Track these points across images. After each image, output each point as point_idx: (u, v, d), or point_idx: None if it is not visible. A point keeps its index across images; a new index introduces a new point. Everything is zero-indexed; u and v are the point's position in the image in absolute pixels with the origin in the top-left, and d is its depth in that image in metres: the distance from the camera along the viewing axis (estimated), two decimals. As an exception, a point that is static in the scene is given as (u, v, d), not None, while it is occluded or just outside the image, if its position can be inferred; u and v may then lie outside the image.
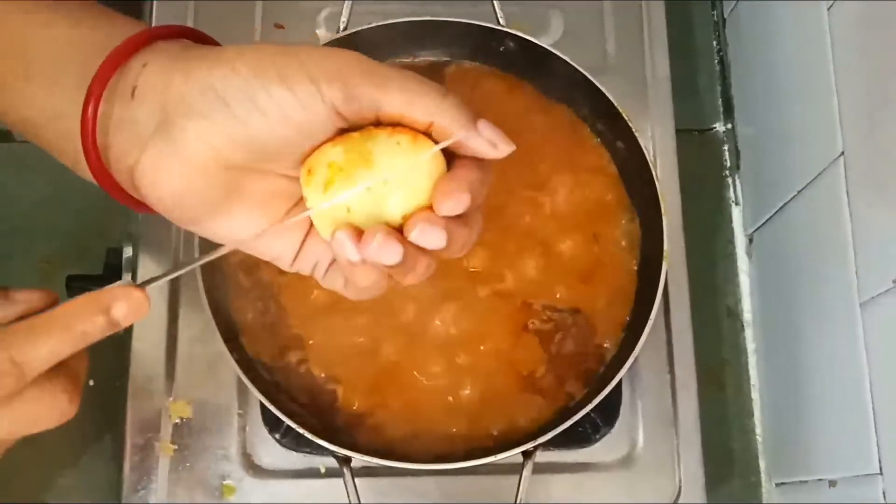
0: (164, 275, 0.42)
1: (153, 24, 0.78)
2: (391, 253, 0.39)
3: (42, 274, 0.80)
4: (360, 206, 0.39)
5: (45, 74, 0.42)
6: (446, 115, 0.39)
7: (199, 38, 0.44)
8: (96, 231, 0.80)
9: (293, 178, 0.42)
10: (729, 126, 0.88)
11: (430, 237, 0.39)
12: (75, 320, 0.39)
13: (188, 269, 0.43)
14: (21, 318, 0.40)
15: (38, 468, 0.76)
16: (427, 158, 0.39)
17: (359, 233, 0.39)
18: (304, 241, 0.44)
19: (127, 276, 0.73)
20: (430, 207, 0.39)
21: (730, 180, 0.87)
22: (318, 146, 0.40)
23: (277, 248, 0.44)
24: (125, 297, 0.40)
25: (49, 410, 0.40)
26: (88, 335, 0.39)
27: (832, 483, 0.68)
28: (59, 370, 0.40)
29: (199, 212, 0.41)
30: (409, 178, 0.39)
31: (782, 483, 0.77)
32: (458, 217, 0.40)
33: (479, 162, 0.40)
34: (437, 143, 0.39)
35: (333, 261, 0.44)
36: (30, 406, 0.39)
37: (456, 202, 0.39)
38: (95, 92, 0.40)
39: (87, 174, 0.43)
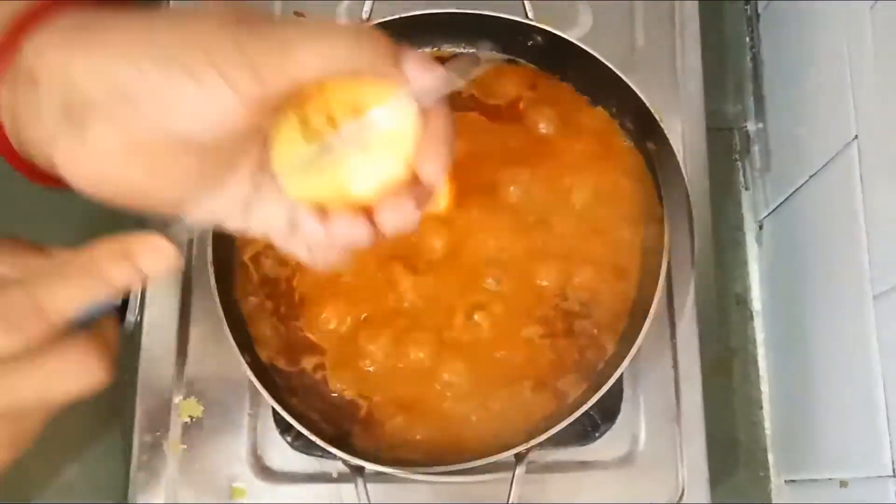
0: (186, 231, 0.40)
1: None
2: (358, 232, 0.38)
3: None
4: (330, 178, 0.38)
5: None
6: (369, 69, 0.37)
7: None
8: (103, 227, 0.78)
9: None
10: (738, 107, 0.85)
11: (401, 217, 0.39)
12: (101, 264, 0.37)
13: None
14: None
15: (45, 466, 0.75)
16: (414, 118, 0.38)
17: (323, 209, 0.39)
18: (252, 203, 0.42)
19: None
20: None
21: (739, 164, 0.84)
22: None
23: (221, 212, 0.42)
24: (152, 245, 0.38)
25: (79, 373, 0.37)
26: (115, 281, 0.37)
27: (843, 483, 0.66)
28: (88, 333, 0.38)
29: (149, 201, 0.39)
30: (383, 141, 0.38)
31: (792, 480, 0.75)
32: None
33: (442, 108, 0.40)
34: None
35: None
36: (58, 364, 0.37)
37: (439, 163, 0.39)
38: None
39: None
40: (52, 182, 0.41)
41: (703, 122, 0.76)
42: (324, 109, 0.39)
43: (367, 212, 0.39)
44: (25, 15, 0.39)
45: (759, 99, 0.85)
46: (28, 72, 0.38)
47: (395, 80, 0.38)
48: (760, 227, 0.82)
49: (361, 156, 0.38)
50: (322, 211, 0.39)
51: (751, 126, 0.85)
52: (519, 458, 0.61)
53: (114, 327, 0.40)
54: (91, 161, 0.37)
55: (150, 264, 0.38)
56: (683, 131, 0.75)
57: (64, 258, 0.38)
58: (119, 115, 0.37)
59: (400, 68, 0.38)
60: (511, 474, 0.61)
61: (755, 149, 0.85)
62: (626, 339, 0.65)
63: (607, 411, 0.69)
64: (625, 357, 0.62)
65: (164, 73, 0.36)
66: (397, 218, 0.39)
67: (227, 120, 0.37)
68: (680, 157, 0.66)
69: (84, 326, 0.37)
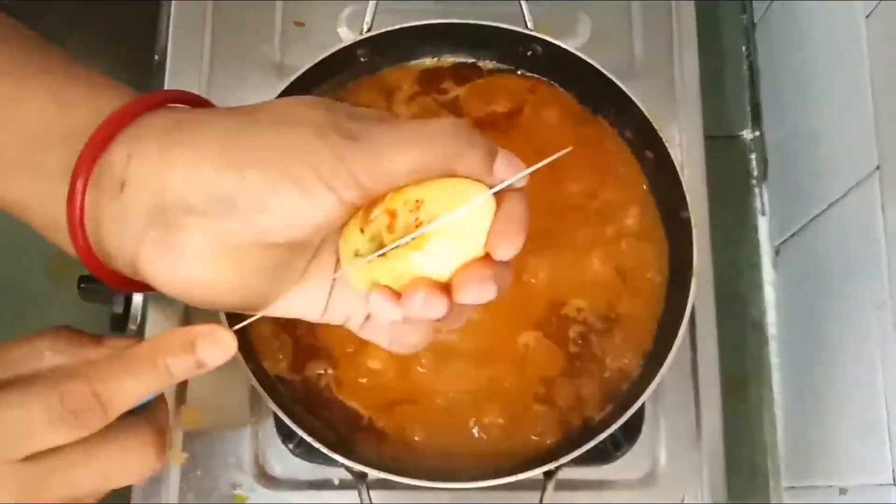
0: (251, 316, 0.41)
1: (171, 27, 0.76)
2: (436, 308, 0.37)
3: (50, 273, 0.79)
4: (399, 261, 0.37)
5: (24, 163, 0.39)
6: (468, 168, 0.38)
7: (189, 100, 0.42)
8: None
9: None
10: (757, 133, 0.86)
11: (483, 294, 0.37)
12: (160, 356, 0.37)
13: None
14: None
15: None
16: (480, 203, 0.38)
17: (394, 291, 0.38)
18: (330, 293, 0.42)
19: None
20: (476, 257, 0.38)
21: (757, 189, 0.85)
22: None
23: (300, 307, 0.42)
24: (211, 335, 0.38)
25: (134, 461, 0.38)
26: (174, 373, 0.37)
27: (843, 490, 0.67)
28: (143, 419, 0.38)
29: (236, 300, 0.40)
30: (460, 227, 0.37)
31: (791, 487, 0.76)
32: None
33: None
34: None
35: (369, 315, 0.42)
36: (115, 455, 0.37)
37: (514, 244, 0.38)
38: (79, 187, 0.37)
39: None
40: (133, 287, 0.41)
41: (701, 131, 0.76)
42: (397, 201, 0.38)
43: (444, 288, 0.38)
44: (112, 118, 0.38)
45: (756, 107, 0.86)
46: (115, 178, 0.38)
47: (488, 181, 0.38)
48: (777, 253, 0.82)
49: (436, 240, 0.37)
50: (396, 294, 0.38)
51: (747, 134, 0.86)
52: (548, 475, 0.61)
53: (165, 410, 0.40)
54: (180, 264, 0.37)
55: (212, 356, 0.38)
56: (681, 140, 0.76)
57: (123, 348, 0.38)
58: (216, 219, 0.37)
59: (492, 169, 0.38)
60: (533, 493, 0.61)
61: (751, 156, 0.85)
62: (653, 360, 0.65)
63: (629, 431, 0.69)
64: (651, 380, 0.62)
65: (268, 180, 0.36)
66: (476, 296, 0.37)
67: (326, 224, 0.38)
68: (679, 165, 0.66)
69: (137, 410, 0.38)
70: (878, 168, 0.64)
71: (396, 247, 0.37)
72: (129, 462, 0.37)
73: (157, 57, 0.77)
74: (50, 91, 0.39)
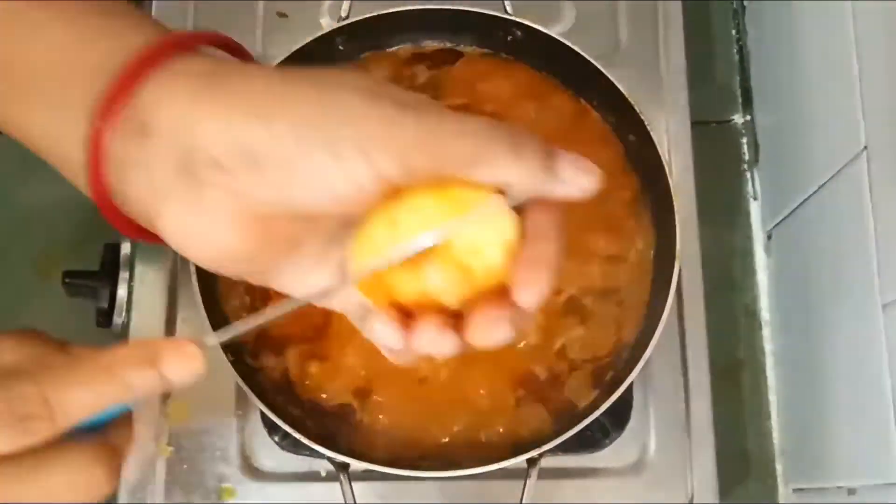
0: (228, 331, 0.37)
1: (153, 11, 0.75)
2: (446, 346, 0.34)
3: (38, 269, 0.79)
4: (409, 281, 0.35)
5: (45, 97, 0.37)
6: (521, 177, 0.34)
7: (222, 44, 0.39)
8: (94, 226, 0.78)
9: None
10: (748, 118, 0.85)
11: (496, 336, 0.34)
12: (121, 367, 0.34)
13: (255, 324, 0.37)
14: None
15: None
16: (508, 229, 0.34)
17: (403, 315, 0.35)
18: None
19: (125, 274, 0.71)
20: (493, 286, 0.34)
21: (748, 174, 0.84)
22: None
23: (304, 289, 0.38)
24: (177, 350, 0.35)
25: (81, 484, 0.34)
26: (133, 387, 0.34)
27: (851, 491, 0.66)
28: (98, 437, 0.35)
29: (243, 266, 0.37)
30: (477, 248, 0.34)
31: (800, 489, 0.75)
32: None
33: (553, 215, 0.35)
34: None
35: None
36: (61, 472, 0.34)
37: (538, 291, 0.34)
38: (102, 128, 0.35)
39: None
40: (145, 237, 0.38)
41: (688, 117, 0.75)
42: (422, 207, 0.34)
43: (455, 322, 0.35)
44: (141, 57, 0.35)
45: (746, 91, 0.85)
46: (141, 122, 0.35)
47: (546, 186, 0.34)
48: (769, 238, 0.82)
49: (454, 260, 0.34)
50: (405, 314, 0.35)
51: (738, 119, 0.85)
52: (531, 462, 0.61)
53: (127, 433, 0.36)
54: (199, 223, 0.35)
55: (177, 372, 0.35)
56: (668, 126, 0.75)
57: (84, 357, 0.35)
58: (240, 177, 0.34)
59: (555, 171, 0.34)
60: (522, 481, 0.61)
61: (742, 141, 0.85)
62: (637, 347, 0.65)
63: (617, 419, 0.68)
64: (636, 364, 0.61)
65: (301, 141, 0.33)
66: (489, 337, 0.34)
67: (354, 199, 0.34)
68: (664, 150, 0.65)
69: (94, 429, 0.35)
70: (865, 148, 0.63)
71: (415, 253, 0.34)
72: (75, 482, 0.34)
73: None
74: (70, 20, 0.37)
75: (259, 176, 0.34)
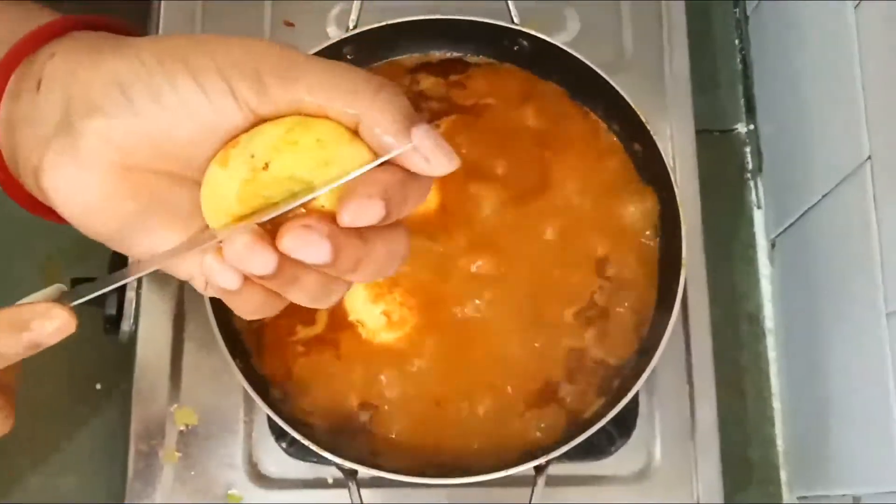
0: (89, 291, 0.38)
1: (161, 24, 0.76)
2: (260, 261, 0.34)
3: (45, 274, 0.79)
4: (260, 197, 0.35)
5: None
6: (376, 117, 0.34)
7: (121, 30, 0.40)
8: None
9: None
10: (751, 127, 0.85)
11: (307, 250, 0.33)
12: None
13: (113, 286, 0.38)
14: None
15: (40, 473, 0.75)
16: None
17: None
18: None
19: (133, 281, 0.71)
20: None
21: (752, 183, 0.84)
22: (231, 140, 0.36)
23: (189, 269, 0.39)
24: (47, 314, 0.36)
25: None
26: (5, 352, 0.36)
27: (856, 499, 0.66)
28: None
29: (113, 224, 0.37)
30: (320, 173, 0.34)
31: (804, 497, 0.75)
32: (356, 229, 0.34)
33: (404, 176, 0.35)
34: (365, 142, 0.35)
35: None
36: None
37: (359, 210, 0.34)
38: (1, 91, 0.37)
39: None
40: (42, 209, 0.40)
41: (692, 125, 0.76)
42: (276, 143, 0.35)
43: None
44: (41, 28, 0.38)
45: (750, 100, 0.86)
46: (34, 76, 0.37)
47: (397, 145, 0.35)
48: (773, 246, 0.82)
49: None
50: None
51: (741, 128, 0.85)
52: (539, 470, 0.61)
53: (13, 370, 0.39)
54: (73, 177, 0.36)
55: (48, 335, 0.36)
56: (672, 134, 0.75)
57: None
58: (112, 117, 0.35)
59: (408, 135, 0.35)
60: (529, 488, 0.61)
61: (746, 150, 0.85)
62: (643, 355, 0.65)
63: (623, 426, 0.68)
64: (642, 372, 0.62)
65: (165, 68, 0.35)
66: (300, 245, 0.34)
67: (223, 127, 0.35)
68: (669, 159, 0.66)
69: None
70: (868, 158, 0.63)
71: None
72: None
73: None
74: None
75: (132, 114, 0.35)
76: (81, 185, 0.36)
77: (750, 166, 0.85)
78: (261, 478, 0.70)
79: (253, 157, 0.34)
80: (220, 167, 0.35)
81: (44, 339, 0.36)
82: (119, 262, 0.72)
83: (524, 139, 0.68)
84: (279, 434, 0.68)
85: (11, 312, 0.36)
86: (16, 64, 0.37)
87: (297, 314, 0.65)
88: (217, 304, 0.63)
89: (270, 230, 0.35)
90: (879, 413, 0.62)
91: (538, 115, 0.69)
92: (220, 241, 0.35)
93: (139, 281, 0.72)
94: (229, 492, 0.69)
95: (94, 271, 0.73)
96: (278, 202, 0.35)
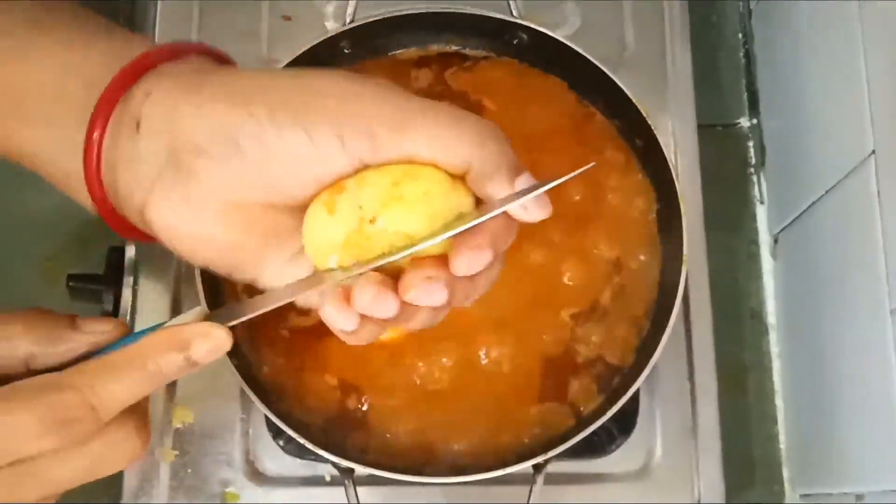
0: (245, 312, 0.39)
1: (157, 25, 0.75)
2: (384, 308, 0.35)
3: (44, 272, 0.79)
4: (365, 246, 0.36)
5: (40, 113, 0.39)
6: (486, 169, 0.36)
7: (207, 54, 0.41)
8: (98, 230, 0.78)
9: None
10: (754, 121, 0.84)
11: (429, 297, 0.35)
12: (152, 359, 0.37)
13: (268, 308, 0.39)
14: (90, 351, 0.38)
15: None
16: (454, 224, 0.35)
17: (347, 294, 0.36)
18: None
19: (129, 278, 0.71)
20: (441, 254, 0.36)
21: (755, 178, 0.84)
22: (335, 183, 0.36)
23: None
24: (205, 334, 0.37)
25: (123, 452, 0.37)
26: (166, 375, 0.37)
27: (859, 497, 0.65)
28: (129, 409, 0.37)
29: (227, 260, 0.39)
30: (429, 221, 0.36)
31: (807, 495, 0.74)
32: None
33: (509, 221, 0.37)
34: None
35: None
36: (105, 449, 0.37)
37: (472, 262, 0.35)
38: (97, 129, 0.37)
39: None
40: (139, 236, 0.41)
41: (694, 120, 0.75)
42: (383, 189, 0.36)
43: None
44: (134, 64, 0.38)
45: (753, 95, 0.85)
46: (133, 118, 0.37)
47: (497, 191, 0.36)
48: (776, 242, 0.81)
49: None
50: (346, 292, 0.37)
51: (744, 122, 0.85)
52: (537, 468, 0.61)
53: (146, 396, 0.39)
54: (184, 214, 0.37)
55: (205, 354, 0.37)
56: (674, 129, 0.74)
57: (101, 333, 0.38)
58: (223, 163, 0.36)
59: (513, 185, 0.36)
60: (528, 486, 0.61)
61: (749, 144, 0.84)
62: (643, 352, 0.64)
63: (623, 424, 0.68)
64: (642, 370, 0.61)
65: (275, 121, 0.35)
66: (422, 294, 0.35)
67: (331, 175, 0.36)
68: (671, 154, 0.65)
69: None
70: (873, 152, 0.63)
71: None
72: (115, 455, 0.37)
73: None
74: (67, 42, 0.39)
75: (240, 160, 0.36)
76: (193, 224, 0.37)
77: (753, 161, 0.84)
78: (258, 476, 0.69)
79: (361, 208, 0.36)
80: (326, 212, 0.36)
81: (201, 358, 0.37)
82: (116, 260, 0.72)
83: (524, 134, 0.68)
84: (276, 432, 0.68)
85: (173, 332, 0.37)
86: (112, 106, 0.37)
87: (293, 307, 0.65)
88: (213, 301, 0.62)
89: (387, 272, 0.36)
90: (883, 410, 0.61)
91: (537, 111, 0.68)
92: (341, 283, 0.36)
93: (135, 277, 0.71)
94: (226, 490, 0.69)
95: (91, 269, 0.72)
96: (389, 251, 0.36)
